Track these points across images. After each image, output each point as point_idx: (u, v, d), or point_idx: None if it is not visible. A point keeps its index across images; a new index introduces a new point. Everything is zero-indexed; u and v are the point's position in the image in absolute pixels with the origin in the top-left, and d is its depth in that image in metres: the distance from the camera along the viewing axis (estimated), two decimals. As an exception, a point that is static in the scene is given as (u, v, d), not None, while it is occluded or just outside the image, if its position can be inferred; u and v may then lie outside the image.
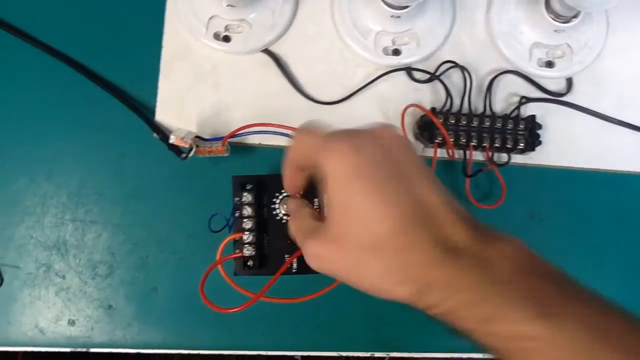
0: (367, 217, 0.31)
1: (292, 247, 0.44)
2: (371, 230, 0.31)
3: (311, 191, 0.43)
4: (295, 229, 0.38)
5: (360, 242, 0.31)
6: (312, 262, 0.34)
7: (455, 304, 0.29)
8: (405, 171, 0.32)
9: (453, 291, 0.29)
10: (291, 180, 0.39)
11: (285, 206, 0.45)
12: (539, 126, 0.54)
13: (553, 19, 0.53)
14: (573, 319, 0.28)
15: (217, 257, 0.43)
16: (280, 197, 0.45)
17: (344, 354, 0.54)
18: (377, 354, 0.54)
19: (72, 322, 0.52)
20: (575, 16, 0.53)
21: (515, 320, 0.28)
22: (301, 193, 0.43)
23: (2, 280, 0.51)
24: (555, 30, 0.54)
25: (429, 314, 0.31)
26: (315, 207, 0.44)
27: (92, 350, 0.52)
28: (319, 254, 0.34)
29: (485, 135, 0.53)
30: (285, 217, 0.45)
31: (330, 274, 0.34)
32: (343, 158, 0.31)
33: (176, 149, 0.51)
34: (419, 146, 0.55)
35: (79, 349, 0.52)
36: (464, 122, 0.53)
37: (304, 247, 0.35)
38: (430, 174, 0.33)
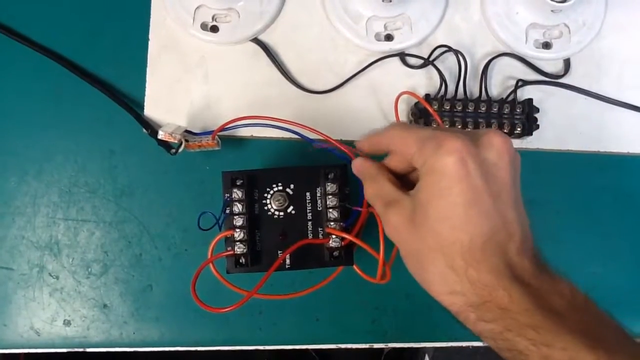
0: (456, 220, 0.33)
1: (285, 243, 0.43)
2: (455, 233, 0.33)
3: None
4: (374, 194, 0.38)
5: (438, 238, 0.33)
6: (389, 231, 0.36)
7: (512, 323, 0.31)
8: (501, 188, 0.34)
9: (513, 313, 0.31)
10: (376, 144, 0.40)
11: (277, 201, 0.43)
12: (537, 110, 0.53)
13: (549, -1, 0.51)
14: (623, 353, 0.30)
15: (209, 256, 0.42)
16: (272, 192, 0.44)
17: (342, 346, 0.53)
18: (375, 345, 0.54)
19: (67, 323, 0.51)
20: (572, -5, 0.51)
21: (569, 348, 0.29)
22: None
23: (-5, 282, 0.51)
24: (552, 10, 0.52)
25: (470, 326, 0.33)
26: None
27: (89, 350, 0.51)
28: (398, 225, 0.35)
29: (481, 120, 0.52)
30: (277, 213, 0.43)
31: (398, 246, 0.36)
32: (456, 158, 0.32)
33: (166, 145, 0.50)
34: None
35: (75, 349, 0.51)
36: (459, 108, 0.52)
37: (384, 215, 0.37)
38: (518, 192, 0.36)
